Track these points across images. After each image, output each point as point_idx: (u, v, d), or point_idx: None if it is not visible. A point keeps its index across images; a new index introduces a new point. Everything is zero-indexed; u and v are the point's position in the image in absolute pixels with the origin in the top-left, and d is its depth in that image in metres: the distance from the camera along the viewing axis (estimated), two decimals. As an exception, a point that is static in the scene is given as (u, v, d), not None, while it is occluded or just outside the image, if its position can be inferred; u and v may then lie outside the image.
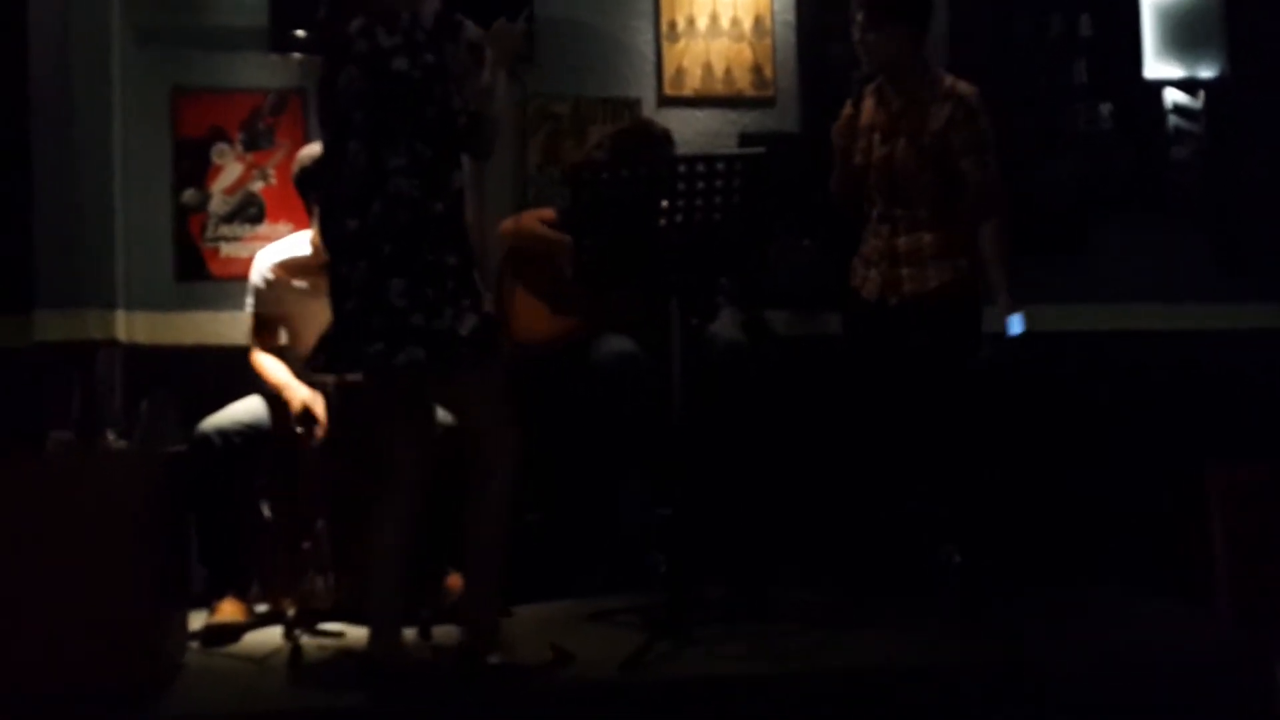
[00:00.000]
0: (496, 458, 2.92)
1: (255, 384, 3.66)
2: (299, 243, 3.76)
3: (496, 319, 3.05)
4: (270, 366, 3.66)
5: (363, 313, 2.84)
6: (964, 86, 3.62)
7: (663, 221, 3.23)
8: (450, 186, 2.92)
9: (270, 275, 3.72)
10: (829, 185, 3.82)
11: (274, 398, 3.59)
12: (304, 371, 3.56)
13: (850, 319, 3.83)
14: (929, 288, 3.59)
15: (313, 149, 3.67)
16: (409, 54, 2.86)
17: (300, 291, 3.66)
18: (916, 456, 3.66)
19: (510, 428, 2.96)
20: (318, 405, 3.51)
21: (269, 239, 3.97)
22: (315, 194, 3.60)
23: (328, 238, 3.01)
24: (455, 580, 3.41)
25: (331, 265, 2.95)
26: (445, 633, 3.23)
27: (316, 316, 3.56)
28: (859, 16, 3.62)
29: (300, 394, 3.53)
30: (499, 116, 3.01)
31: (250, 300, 3.76)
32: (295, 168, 3.71)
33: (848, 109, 3.72)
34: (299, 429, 3.46)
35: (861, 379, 3.69)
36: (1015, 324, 3.50)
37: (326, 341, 2.94)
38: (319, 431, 3.47)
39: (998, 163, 3.59)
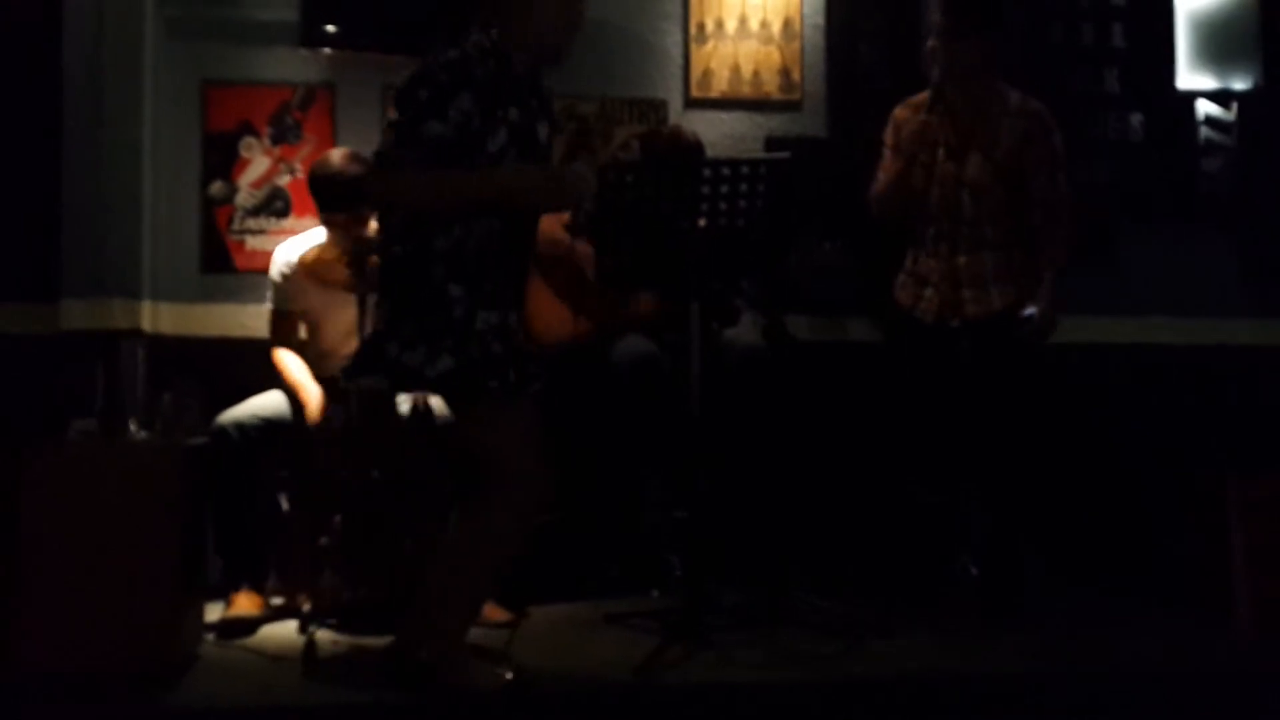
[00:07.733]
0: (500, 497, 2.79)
1: (276, 378, 3.67)
2: (318, 237, 3.77)
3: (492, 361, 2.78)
4: (290, 365, 3.67)
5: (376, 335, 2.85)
6: (1034, 103, 3.59)
7: (686, 224, 3.22)
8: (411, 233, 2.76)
9: (289, 270, 3.73)
10: (866, 192, 3.76)
11: (294, 394, 3.60)
12: (321, 364, 3.58)
13: (900, 336, 3.78)
14: (994, 309, 3.58)
15: (330, 158, 3.69)
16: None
17: (319, 286, 3.67)
18: (948, 459, 3.65)
19: (523, 479, 2.80)
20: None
21: (294, 233, 3.98)
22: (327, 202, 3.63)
23: None
24: (493, 612, 3.35)
25: None
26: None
27: (335, 310, 3.59)
28: (938, 21, 3.56)
29: (315, 396, 3.55)
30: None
31: (270, 295, 3.78)
32: (314, 172, 3.72)
33: (922, 113, 3.57)
34: (315, 429, 3.47)
35: (904, 389, 3.68)
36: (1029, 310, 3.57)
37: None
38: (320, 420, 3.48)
39: (1067, 180, 3.60)
